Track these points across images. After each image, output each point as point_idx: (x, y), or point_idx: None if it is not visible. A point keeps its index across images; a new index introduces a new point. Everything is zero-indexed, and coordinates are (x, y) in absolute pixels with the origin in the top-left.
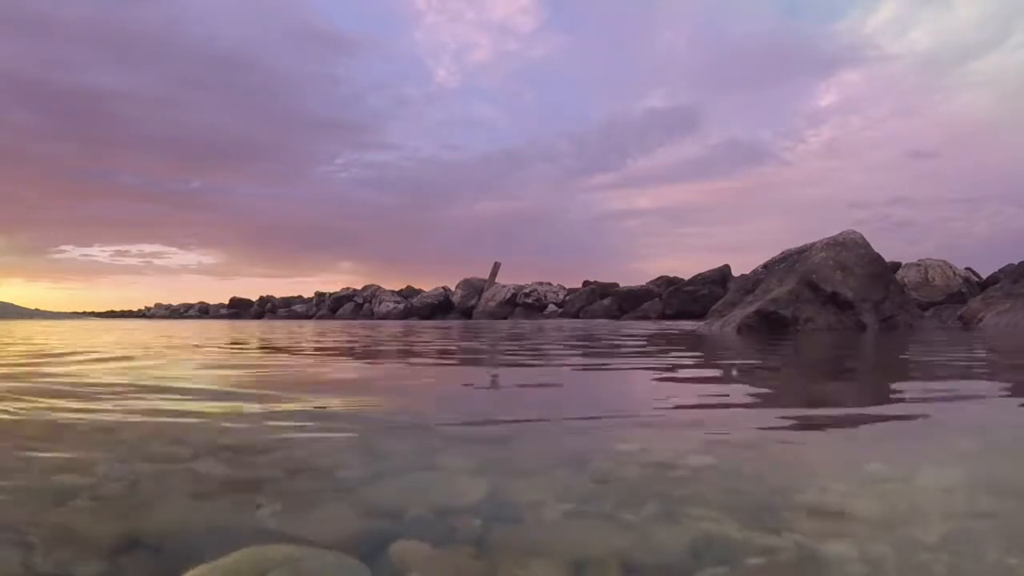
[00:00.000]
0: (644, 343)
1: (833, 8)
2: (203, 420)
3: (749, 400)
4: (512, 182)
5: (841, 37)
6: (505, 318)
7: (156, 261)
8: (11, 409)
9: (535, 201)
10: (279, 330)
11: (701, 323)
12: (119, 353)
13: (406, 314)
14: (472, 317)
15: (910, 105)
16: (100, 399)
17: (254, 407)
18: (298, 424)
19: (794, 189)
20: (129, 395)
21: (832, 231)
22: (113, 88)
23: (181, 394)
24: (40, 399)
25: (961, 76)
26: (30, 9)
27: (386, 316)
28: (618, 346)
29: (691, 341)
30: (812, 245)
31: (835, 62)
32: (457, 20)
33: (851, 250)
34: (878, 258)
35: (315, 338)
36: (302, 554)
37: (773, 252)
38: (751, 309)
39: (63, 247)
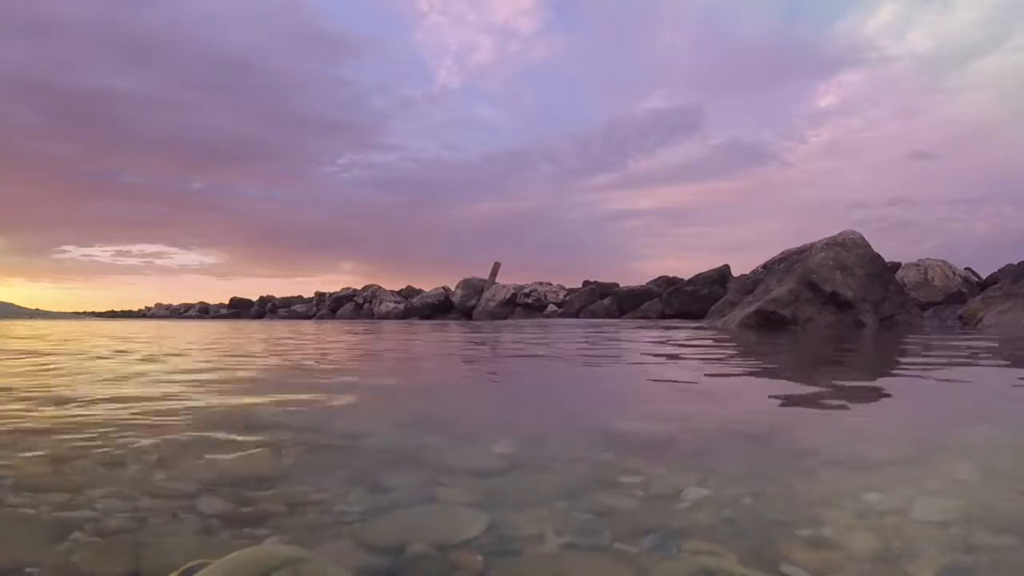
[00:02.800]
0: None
1: (833, 10)
2: None
3: None
4: (513, 183)
5: (841, 39)
6: (505, 318)
7: (157, 261)
8: None
9: (535, 201)
10: (328, 331)
11: (701, 323)
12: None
13: (406, 314)
14: (472, 317)
15: (910, 106)
16: None
17: None
18: None
19: (795, 189)
20: None
21: (832, 231)
22: (116, 89)
23: None
24: None
25: (961, 77)
26: (33, 10)
27: (386, 316)
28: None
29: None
30: (812, 245)
31: (835, 63)
32: (459, 21)
33: (851, 250)
34: (878, 258)
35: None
36: (304, 556)
37: (773, 252)
38: (751, 309)
39: (64, 247)
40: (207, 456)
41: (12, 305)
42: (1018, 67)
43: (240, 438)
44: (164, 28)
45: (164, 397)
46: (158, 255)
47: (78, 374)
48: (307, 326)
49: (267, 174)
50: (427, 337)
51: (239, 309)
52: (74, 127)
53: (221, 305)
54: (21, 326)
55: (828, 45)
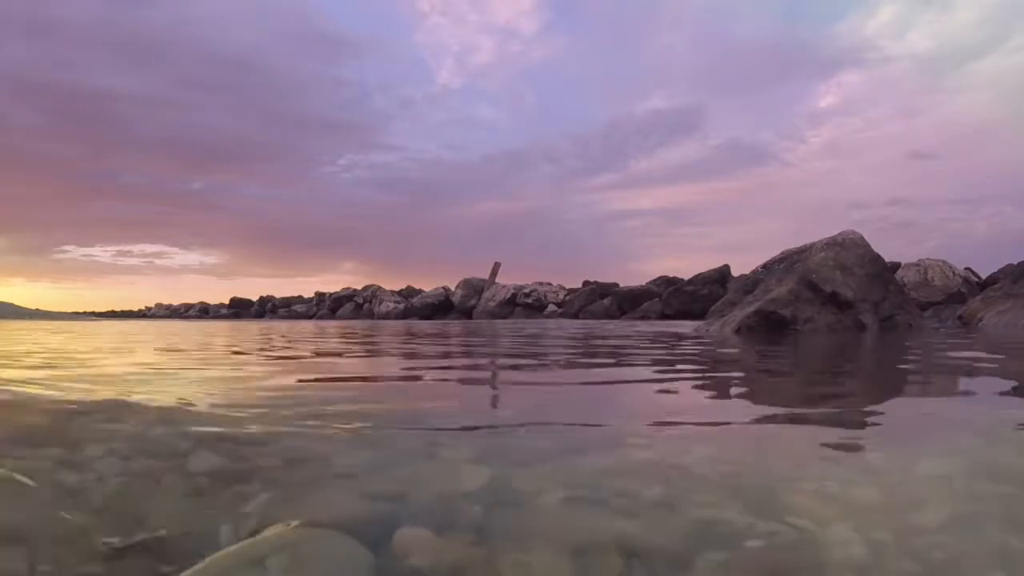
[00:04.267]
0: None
1: (833, 10)
2: None
3: None
4: (513, 183)
5: (841, 39)
6: (505, 318)
7: (157, 261)
8: None
9: (536, 202)
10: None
11: (700, 323)
12: None
13: (406, 314)
14: (472, 317)
15: (910, 106)
16: None
17: None
18: None
19: (795, 189)
20: None
21: (832, 231)
22: (117, 89)
23: None
24: None
25: (961, 77)
26: (33, 10)
27: (386, 316)
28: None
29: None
30: (812, 245)
31: (835, 64)
32: (460, 22)
33: (851, 250)
34: (878, 258)
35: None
36: (301, 537)
37: (773, 252)
38: (751, 309)
39: (65, 247)
40: None
41: (12, 305)
42: (1018, 67)
43: None
44: (164, 28)
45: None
46: (158, 255)
47: None
48: (307, 326)
49: (267, 174)
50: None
51: (239, 309)
52: (74, 127)
53: (221, 305)
54: (50, 328)
55: (828, 45)
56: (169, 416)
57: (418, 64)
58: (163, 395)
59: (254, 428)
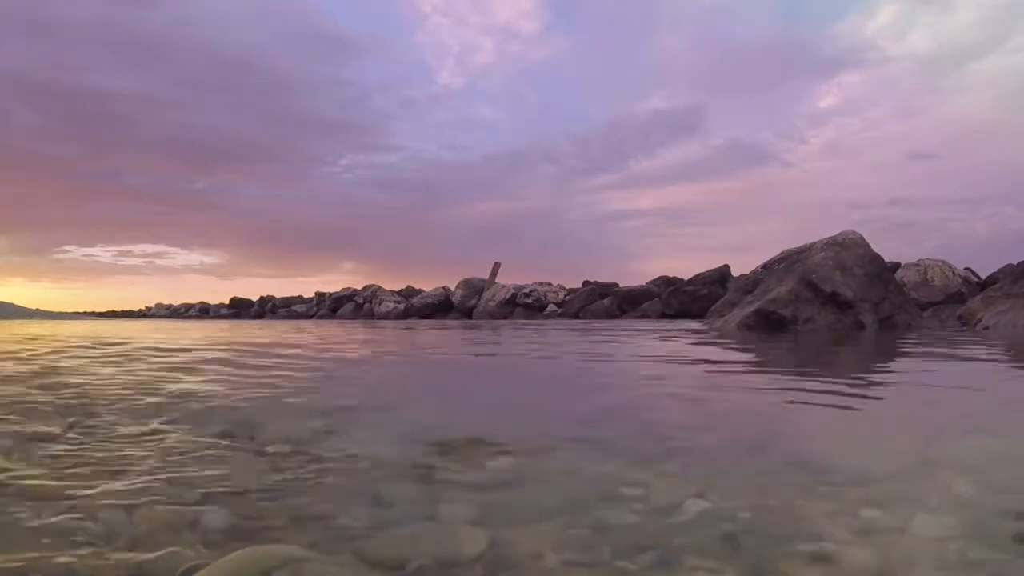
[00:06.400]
0: None
1: (833, 11)
2: None
3: None
4: (514, 183)
5: (841, 39)
6: (505, 318)
7: (158, 261)
8: None
9: (536, 202)
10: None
11: (701, 323)
12: None
13: (406, 314)
14: (472, 317)
15: (910, 106)
16: None
17: None
18: None
19: (795, 189)
20: None
21: (832, 231)
22: (116, 89)
23: None
24: None
25: (961, 78)
26: (33, 10)
27: (386, 316)
28: None
29: None
30: (812, 245)
31: (836, 64)
32: (461, 23)
33: (850, 250)
34: (877, 258)
35: None
36: (304, 555)
37: (773, 252)
38: (751, 309)
39: (66, 247)
40: None
41: (12, 305)
42: (1018, 67)
43: None
44: (165, 28)
45: None
46: (159, 255)
47: None
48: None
49: (268, 174)
50: None
51: (239, 309)
52: (74, 127)
53: (221, 305)
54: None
55: (828, 46)
56: None
57: (419, 64)
58: None
59: None
